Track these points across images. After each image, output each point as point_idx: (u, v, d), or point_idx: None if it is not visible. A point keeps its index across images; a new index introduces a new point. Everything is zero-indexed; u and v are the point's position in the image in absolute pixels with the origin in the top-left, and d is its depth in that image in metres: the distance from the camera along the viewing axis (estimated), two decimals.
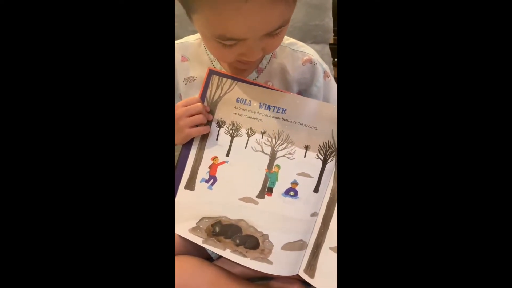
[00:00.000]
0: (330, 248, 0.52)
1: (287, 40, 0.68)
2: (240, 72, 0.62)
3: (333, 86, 0.70)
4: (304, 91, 0.69)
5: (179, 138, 0.58)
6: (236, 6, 0.41)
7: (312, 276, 0.53)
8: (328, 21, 0.90)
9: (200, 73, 0.66)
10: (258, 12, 0.42)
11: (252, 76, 0.66)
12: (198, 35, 0.68)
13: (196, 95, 0.59)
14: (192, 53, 0.67)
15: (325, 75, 0.69)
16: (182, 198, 0.58)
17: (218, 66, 0.66)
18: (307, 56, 0.67)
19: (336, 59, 1.20)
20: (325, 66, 0.70)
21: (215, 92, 0.59)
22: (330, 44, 0.92)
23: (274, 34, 0.48)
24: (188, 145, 0.59)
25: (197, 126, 0.57)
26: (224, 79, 0.59)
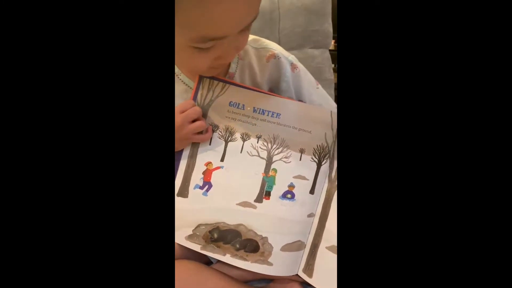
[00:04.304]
0: (327, 248, 0.54)
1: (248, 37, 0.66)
2: None
3: (303, 76, 0.68)
4: (275, 88, 0.67)
5: (182, 145, 0.56)
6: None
7: (310, 275, 0.55)
8: (328, 27, 0.89)
9: None
10: (240, 2, 0.43)
11: None
12: None
13: None
14: None
15: (293, 67, 0.67)
16: (176, 206, 0.57)
17: (185, 80, 0.62)
18: (270, 51, 0.65)
19: (336, 65, 1.20)
20: (291, 57, 0.67)
21: (206, 95, 0.58)
22: (330, 50, 0.93)
23: (246, 29, 0.48)
24: (179, 151, 0.58)
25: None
26: (216, 82, 0.58)
